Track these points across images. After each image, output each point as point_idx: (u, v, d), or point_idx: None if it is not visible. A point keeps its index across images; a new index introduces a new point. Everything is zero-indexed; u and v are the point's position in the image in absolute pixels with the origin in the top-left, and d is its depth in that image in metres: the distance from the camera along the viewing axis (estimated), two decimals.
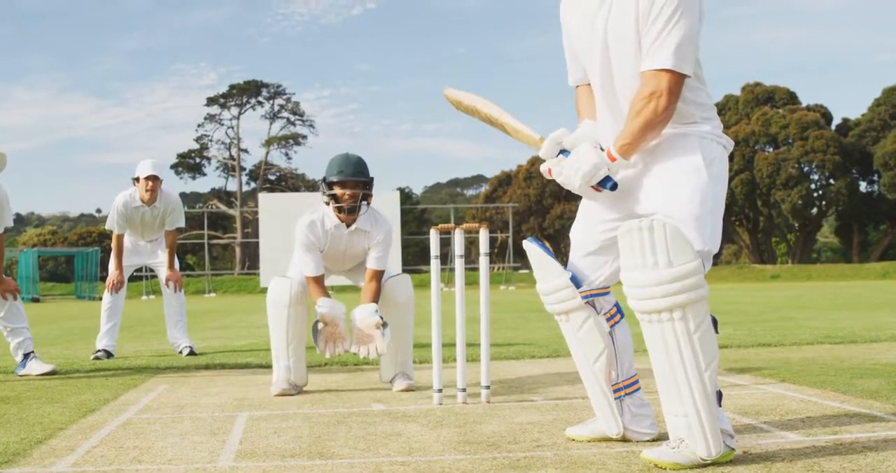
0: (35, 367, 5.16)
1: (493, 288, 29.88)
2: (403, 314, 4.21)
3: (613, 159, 2.51)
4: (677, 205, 2.49)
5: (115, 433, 3.20)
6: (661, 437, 2.78)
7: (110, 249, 6.49)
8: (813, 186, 47.43)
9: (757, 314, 10.57)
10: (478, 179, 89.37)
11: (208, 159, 54.74)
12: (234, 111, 54.54)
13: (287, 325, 4.10)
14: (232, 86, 54.67)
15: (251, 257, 45.49)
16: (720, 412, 2.49)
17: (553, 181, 2.74)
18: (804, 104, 49.20)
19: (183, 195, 37.08)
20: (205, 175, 55.56)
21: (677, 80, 2.46)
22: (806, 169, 46.79)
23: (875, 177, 48.18)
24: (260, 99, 54.74)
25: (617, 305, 2.85)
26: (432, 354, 3.84)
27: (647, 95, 2.46)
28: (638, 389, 2.85)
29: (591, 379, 2.81)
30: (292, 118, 55.38)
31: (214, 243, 47.09)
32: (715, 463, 2.43)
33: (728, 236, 49.28)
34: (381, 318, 3.94)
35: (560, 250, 47.82)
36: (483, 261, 3.78)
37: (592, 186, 2.54)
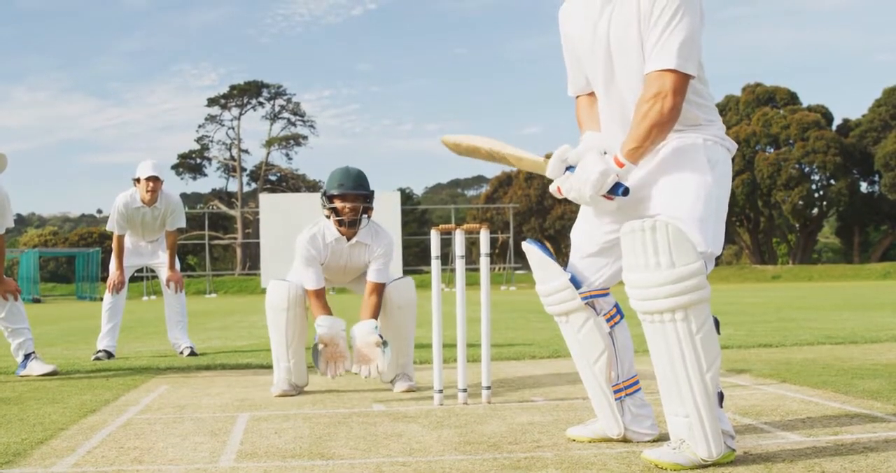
0: (36, 368, 5.17)
1: (493, 288, 29.89)
2: (405, 316, 4.21)
3: (621, 165, 2.47)
4: (681, 206, 2.48)
5: (115, 433, 3.20)
6: (662, 438, 2.78)
7: (111, 250, 6.49)
8: (814, 187, 47.43)
9: (757, 314, 10.57)
10: (478, 180, 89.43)
11: (209, 160, 54.77)
12: (235, 112, 54.59)
13: (286, 328, 4.10)
14: (232, 87, 54.70)
15: (252, 258, 45.51)
16: (721, 412, 2.49)
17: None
18: (805, 104, 49.21)
19: (184, 196, 37.15)
20: (205, 175, 55.63)
21: (682, 80, 2.45)
22: (807, 169, 46.80)
23: (876, 178, 48.18)
24: (261, 99, 54.76)
25: (617, 306, 2.84)
26: (433, 355, 3.84)
27: (651, 97, 2.45)
28: (638, 390, 2.85)
29: (592, 380, 2.81)
30: (293, 119, 55.43)
31: (215, 244, 47.08)
32: (716, 464, 2.43)
33: (729, 237, 49.25)
34: (381, 337, 3.94)
35: (561, 251, 47.83)
36: (484, 262, 3.79)
37: (604, 195, 2.49)
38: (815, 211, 48.72)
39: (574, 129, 2.86)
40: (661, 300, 2.41)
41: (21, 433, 3.21)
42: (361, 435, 3.06)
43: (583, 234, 2.79)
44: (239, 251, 49.39)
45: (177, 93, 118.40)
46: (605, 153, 2.55)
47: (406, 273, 31.08)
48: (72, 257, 39.32)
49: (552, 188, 2.60)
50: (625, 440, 2.81)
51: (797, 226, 49.54)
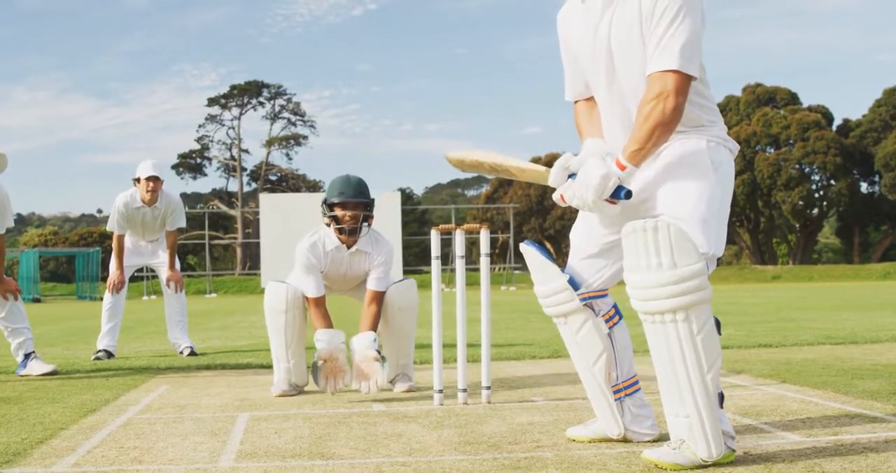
0: (36, 367, 5.17)
1: (493, 288, 29.89)
2: (406, 318, 4.21)
3: (623, 167, 2.46)
4: (684, 207, 2.48)
5: (115, 433, 3.20)
6: (662, 438, 2.78)
7: (111, 250, 6.49)
8: (814, 187, 47.44)
9: (758, 314, 10.57)
10: (478, 180, 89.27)
11: (209, 160, 54.78)
12: (235, 112, 54.60)
13: (285, 330, 4.10)
14: (233, 87, 54.70)
15: (252, 257, 45.51)
16: (721, 413, 2.49)
17: None
18: (805, 105, 49.21)
19: (184, 195, 37.21)
20: (206, 175, 55.69)
21: (684, 81, 2.44)
22: (807, 169, 46.80)
23: (876, 178, 48.18)
24: (261, 99, 54.77)
25: (615, 307, 2.84)
26: (433, 355, 3.84)
27: (654, 97, 2.43)
28: (638, 390, 2.85)
29: (591, 381, 2.81)
30: (293, 118, 55.43)
31: (215, 243, 47.08)
32: (716, 464, 2.43)
33: (729, 237, 48.84)
34: (379, 352, 3.95)
35: (561, 251, 47.82)
36: (484, 262, 3.79)
37: (607, 200, 2.47)
38: (816, 211, 48.72)
39: (574, 130, 2.86)
40: (663, 300, 2.41)
41: (21, 432, 3.21)
42: (361, 435, 3.06)
43: (583, 235, 2.79)
44: (239, 251, 49.40)
45: (177, 93, 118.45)
46: (607, 157, 2.54)
47: (406, 273, 31.07)
48: (72, 257, 39.32)
49: (555, 197, 2.59)
50: (625, 440, 2.81)
51: (797, 226, 49.55)
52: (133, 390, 4.43)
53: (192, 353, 6.33)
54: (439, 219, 54.69)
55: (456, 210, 42.81)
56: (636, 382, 2.85)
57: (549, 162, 47.91)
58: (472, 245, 35.11)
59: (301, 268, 4.15)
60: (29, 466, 2.65)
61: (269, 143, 54.55)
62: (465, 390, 3.79)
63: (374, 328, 4.09)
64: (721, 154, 2.59)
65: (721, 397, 2.50)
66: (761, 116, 47.14)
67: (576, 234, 2.82)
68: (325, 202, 4.18)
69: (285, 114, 55.35)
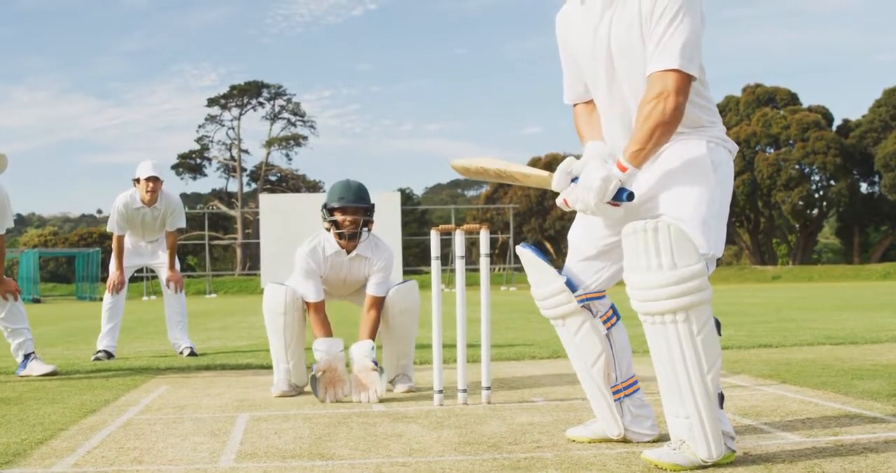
0: (36, 368, 5.17)
1: (493, 288, 29.89)
2: (407, 320, 4.21)
3: (624, 169, 2.46)
4: (684, 207, 2.48)
5: (115, 433, 3.20)
6: (662, 438, 2.78)
7: (111, 250, 6.49)
8: (814, 187, 47.44)
9: (757, 315, 10.57)
10: (478, 180, 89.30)
11: (209, 160, 54.77)
12: (235, 112, 54.58)
13: (284, 331, 4.10)
14: (233, 87, 54.70)
15: (252, 258, 45.49)
16: (721, 413, 2.49)
17: None
18: (805, 105, 49.21)
19: (184, 196, 37.10)
20: (205, 176, 55.62)
21: (684, 80, 2.44)
22: (807, 170, 46.80)
23: (876, 179, 48.17)
24: (261, 100, 54.76)
25: (613, 307, 2.84)
26: (433, 355, 3.84)
27: (654, 97, 2.43)
28: (637, 390, 2.85)
29: (590, 382, 2.81)
30: (293, 119, 55.42)
31: (215, 244, 47.07)
32: (716, 465, 2.43)
33: (729, 237, 49.23)
34: (376, 363, 3.95)
35: (561, 251, 47.82)
36: (484, 262, 3.79)
37: (610, 202, 2.47)
38: (815, 211, 48.72)
39: (574, 132, 2.86)
40: (663, 301, 2.41)
41: (21, 433, 3.21)
42: (361, 436, 3.06)
43: (581, 236, 2.78)
44: (239, 251, 49.39)
45: (177, 94, 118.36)
46: (609, 159, 2.54)
47: (406, 273, 31.07)
48: (72, 257, 39.30)
49: (559, 201, 2.59)
50: (625, 440, 2.81)
51: (797, 226, 49.55)
52: (133, 390, 4.43)
53: (192, 354, 6.33)
54: (439, 219, 54.68)
55: (456, 210, 42.79)
56: (635, 382, 2.85)
57: (549, 162, 48.05)
58: (471, 245, 35.10)
59: (301, 273, 4.16)
60: (29, 466, 2.65)
61: (269, 144, 54.55)
62: (464, 390, 3.79)
63: (373, 335, 4.10)
64: (721, 155, 2.59)
65: (721, 397, 2.50)
66: (761, 117, 47.14)
67: (574, 235, 2.82)
68: (325, 207, 4.18)
69: (285, 115, 55.37)
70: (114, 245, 6.34)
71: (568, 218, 48.33)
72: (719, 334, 2.47)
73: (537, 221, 51.67)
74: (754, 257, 49.80)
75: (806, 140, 45.71)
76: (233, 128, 54.52)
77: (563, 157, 2.79)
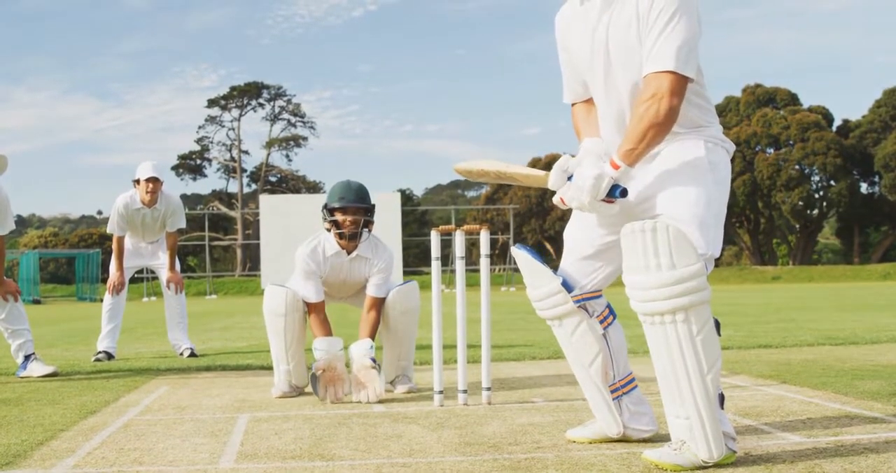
0: (36, 369, 5.17)
1: (493, 289, 29.88)
2: (408, 321, 4.21)
3: (617, 167, 2.46)
4: (682, 207, 2.48)
5: (115, 434, 3.20)
6: (663, 437, 2.78)
7: (111, 251, 6.49)
8: (814, 187, 47.44)
9: (758, 315, 10.57)
10: (478, 181, 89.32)
11: (209, 161, 54.80)
12: (235, 113, 54.61)
13: (285, 333, 4.10)
14: (233, 88, 54.73)
15: (252, 259, 45.51)
16: (722, 414, 2.49)
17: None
18: (805, 105, 49.23)
19: (184, 196, 37.16)
20: (206, 176, 55.66)
21: (680, 82, 2.44)
22: (807, 170, 46.81)
23: (876, 179, 48.20)
24: (261, 100, 54.79)
25: (609, 306, 2.85)
26: (433, 356, 3.84)
27: (648, 98, 2.44)
28: (635, 387, 2.85)
29: (588, 382, 2.81)
30: (293, 120, 55.45)
31: (215, 245, 47.07)
32: (716, 465, 2.43)
33: (729, 237, 49.29)
34: (374, 361, 3.95)
35: (561, 252, 47.80)
36: (484, 263, 3.79)
37: (604, 199, 2.48)
38: (816, 212, 48.72)
39: (573, 132, 2.86)
40: (662, 301, 2.41)
41: (21, 434, 3.21)
42: (362, 436, 3.06)
43: (578, 235, 2.78)
44: (239, 252, 49.39)
45: (177, 94, 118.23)
46: (605, 156, 2.55)
47: (406, 274, 31.07)
48: (72, 258, 39.30)
49: (556, 199, 2.59)
50: (624, 438, 2.81)
51: (797, 226, 49.56)
52: (133, 391, 4.43)
53: (193, 354, 6.33)
54: (439, 219, 54.72)
55: (456, 211, 42.79)
56: (632, 380, 2.85)
57: (548, 163, 48.00)
58: (472, 246, 35.12)
59: (301, 274, 4.16)
60: (29, 467, 2.65)
61: (269, 144, 54.57)
62: (465, 391, 3.79)
63: (373, 335, 4.10)
64: (718, 155, 2.60)
65: (721, 398, 2.50)
66: (761, 117, 47.15)
67: (570, 235, 2.82)
68: (325, 207, 4.18)
69: (285, 116, 55.40)
70: (114, 246, 6.34)
71: (568, 218, 48.29)
72: (719, 334, 2.47)
73: (537, 222, 51.67)
74: (754, 257, 49.81)
75: (806, 140, 45.72)
76: (233, 129, 54.57)
77: None
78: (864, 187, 49.45)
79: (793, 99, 49.33)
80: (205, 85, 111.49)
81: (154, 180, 6.23)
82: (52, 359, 6.08)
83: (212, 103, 54.80)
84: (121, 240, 6.32)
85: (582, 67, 2.68)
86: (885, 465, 2.40)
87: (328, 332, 4.07)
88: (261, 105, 54.97)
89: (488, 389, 3.81)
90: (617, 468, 2.47)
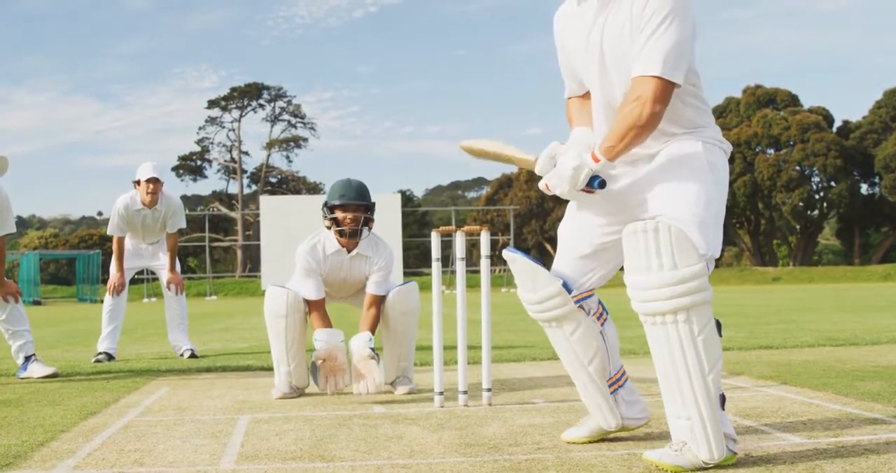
0: (36, 370, 5.17)
1: (494, 290, 29.85)
2: (407, 322, 4.21)
3: (597, 160, 2.50)
4: (682, 207, 2.48)
5: (116, 435, 3.20)
6: (663, 437, 2.78)
7: (112, 252, 6.49)
8: (814, 188, 47.43)
9: (758, 316, 10.57)
10: (479, 182, 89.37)
11: (209, 162, 54.79)
12: (236, 114, 54.60)
13: (285, 334, 4.10)
14: (233, 89, 54.73)
15: (252, 260, 45.51)
16: (723, 415, 2.49)
17: None
18: (805, 106, 49.22)
19: (184, 197, 37.19)
20: (206, 177, 55.60)
21: (665, 87, 2.44)
22: (807, 171, 46.79)
23: (876, 180, 48.17)
24: (261, 101, 54.78)
25: (600, 303, 2.86)
26: (433, 357, 3.84)
27: (633, 100, 2.46)
28: (627, 379, 2.90)
29: (586, 380, 2.81)
30: (293, 121, 55.43)
31: (216, 246, 47.08)
32: (717, 467, 2.43)
33: (729, 238, 49.28)
34: (373, 350, 3.95)
35: None
36: (484, 264, 3.79)
37: (584, 189, 2.53)
38: (816, 212, 48.70)
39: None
40: (663, 301, 2.41)
41: (21, 435, 3.21)
42: (362, 437, 3.06)
43: (575, 234, 2.78)
44: (239, 253, 49.39)
45: (178, 95, 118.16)
46: (591, 147, 2.57)
47: (406, 275, 31.07)
48: (72, 259, 39.30)
49: (541, 185, 2.63)
50: (622, 429, 2.85)
51: (798, 227, 49.54)
52: (134, 392, 4.43)
53: (193, 355, 6.33)
54: (440, 220, 54.72)
55: (456, 212, 42.81)
56: (624, 372, 2.90)
57: None
58: (472, 247, 35.12)
59: (301, 272, 4.16)
60: (29, 468, 2.65)
61: (270, 145, 54.56)
62: (465, 392, 3.79)
63: (373, 330, 4.09)
64: (717, 155, 2.61)
65: (722, 399, 2.50)
66: (761, 118, 47.13)
67: (566, 233, 2.81)
68: (325, 205, 4.18)
69: (285, 117, 55.39)
70: (114, 247, 6.34)
71: None
72: (720, 335, 2.47)
73: (538, 223, 51.66)
74: (755, 258, 49.79)
75: (806, 141, 45.71)
76: (233, 130, 54.57)
77: None
78: (864, 188, 49.43)
79: (793, 100, 49.30)
80: (205, 86, 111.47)
81: (155, 181, 6.23)
82: (52, 360, 6.08)
83: (212, 104, 54.81)
84: (121, 241, 6.32)
85: (577, 66, 2.70)
86: (885, 466, 2.40)
87: (328, 326, 4.07)
88: (261, 106, 54.98)
89: (489, 390, 3.81)
90: (618, 469, 2.47)
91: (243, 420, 3.51)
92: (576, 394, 3.94)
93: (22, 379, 5.15)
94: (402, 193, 47.86)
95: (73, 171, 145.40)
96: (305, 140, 55.30)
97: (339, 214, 4.14)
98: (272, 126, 55.32)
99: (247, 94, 54.33)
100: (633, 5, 2.48)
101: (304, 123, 55.70)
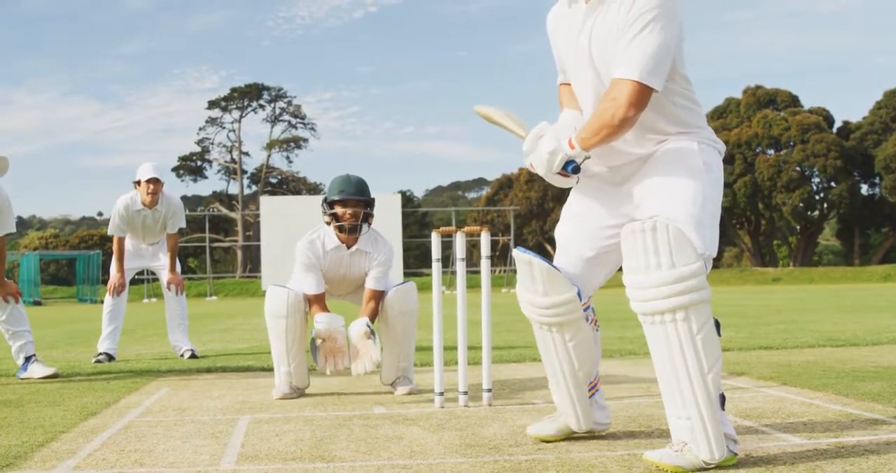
0: (36, 370, 5.17)
1: (494, 291, 29.86)
2: (407, 321, 4.20)
3: (573, 147, 2.53)
4: (678, 207, 2.49)
5: (116, 436, 3.20)
6: (663, 437, 2.78)
7: (112, 252, 6.49)
8: (814, 189, 47.43)
9: (758, 317, 10.56)
10: (479, 182, 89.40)
11: (210, 162, 54.78)
12: (236, 114, 54.60)
13: (286, 334, 4.10)
14: (233, 90, 54.73)
15: (252, 260, 45.50)
16: (723, 415, 2.49)
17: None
18: (805, 107, 49.21)
19: (184, 198, 37.19)
20: (206, 178, 55.60)
21: (642, 92, 2.44)
22: (807, 172, 46.78)
23: (876, 180, 48.16)
24: (261, 102, 54.78)
25: (591, 308, 2.87)
26: (434, 357, 3.84)
27: (610, 100, 2.48)
28: (599, 383, 2.96)
29: (570, 383, 2.82)
30: (294, 121, 55.44)
31: (216, 246, 47.08)
32: (718, 467, 2.43)
33: (729, 239, 49.29)
34: (369, 326, 3.96)
35: None
36: (484, 264, 3.79)
37: (560, 173, 2.57)
38: (816, 213, 48.70)
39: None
40: (662, 300, 2.42)
41: (21, 435, 3.21)
42: (362, 438, 3.06)
43: (575, 236, 2.77)
44: (240, 253, 49.39)
45: (178, 96, 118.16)
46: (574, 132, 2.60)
47: (406, 276, 31.05)
48: (72, 260, 39.30)
49: (526, 162, 2.66)
50: (588, 432, 2.90)
51: (798, 228, 49.53)
52: (134, 393, 4.43)
53: (193, 356, 6.33)
54: (440, 221, 54.74)
55: (456, 212, 42.79)
56: (598, 376, 2.96)
57: None
58: (472, 247, 35.11)
59: (301, 266, 4.16)
60: (29, 469, 2.65)
61: (270, 146, 54.56)
62: (465, 392, 3.79)
63: (372, 319, 4.09)
64: (712, 155, 2.62)
65: (722, 399, 2.50)
66: (762, 118, 47.12)
67: (565, 234, 2.80)
68: (325, 200, 4.18)
69: (286, 117, 55.39)
70: (114, 247, 6.34)
71: None
72: (719, 334, 2.47)
73: (538, 223, 51.65)
74: (755, 259, 49.79)
75: (806, 142, 45.69)
76: (233, 131, 54.57)
77: None
78: (864, 189, 49.42)
79: (793, 100, 49.30)
80: (205, 86, 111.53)
81: (155, 181, 6.23)
82: (52, 361, 6.08)
83: (212, 105, 54.81)
84: (121, 242, 6.32)
85: (567, 66, 2.73)
86: (885, 467, 2.39)
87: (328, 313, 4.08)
88: (261, 106, 54.99)
89: (489, 391, 3.81)
90: (618, 469, 2.47)
91: (243, 420, 3.51)
92: None
93: (22, 379, 5.15)
94: (403, 194, 47.85)
95: (73, 172, 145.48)
96: (306, 140, 55.32)
97: (338, 210, 4.14)
98: (272, 126, 55.36)
99: (247, 95, 54.34)
100: (620, 8, 2.49)
101: (304, 124, 55.72)
